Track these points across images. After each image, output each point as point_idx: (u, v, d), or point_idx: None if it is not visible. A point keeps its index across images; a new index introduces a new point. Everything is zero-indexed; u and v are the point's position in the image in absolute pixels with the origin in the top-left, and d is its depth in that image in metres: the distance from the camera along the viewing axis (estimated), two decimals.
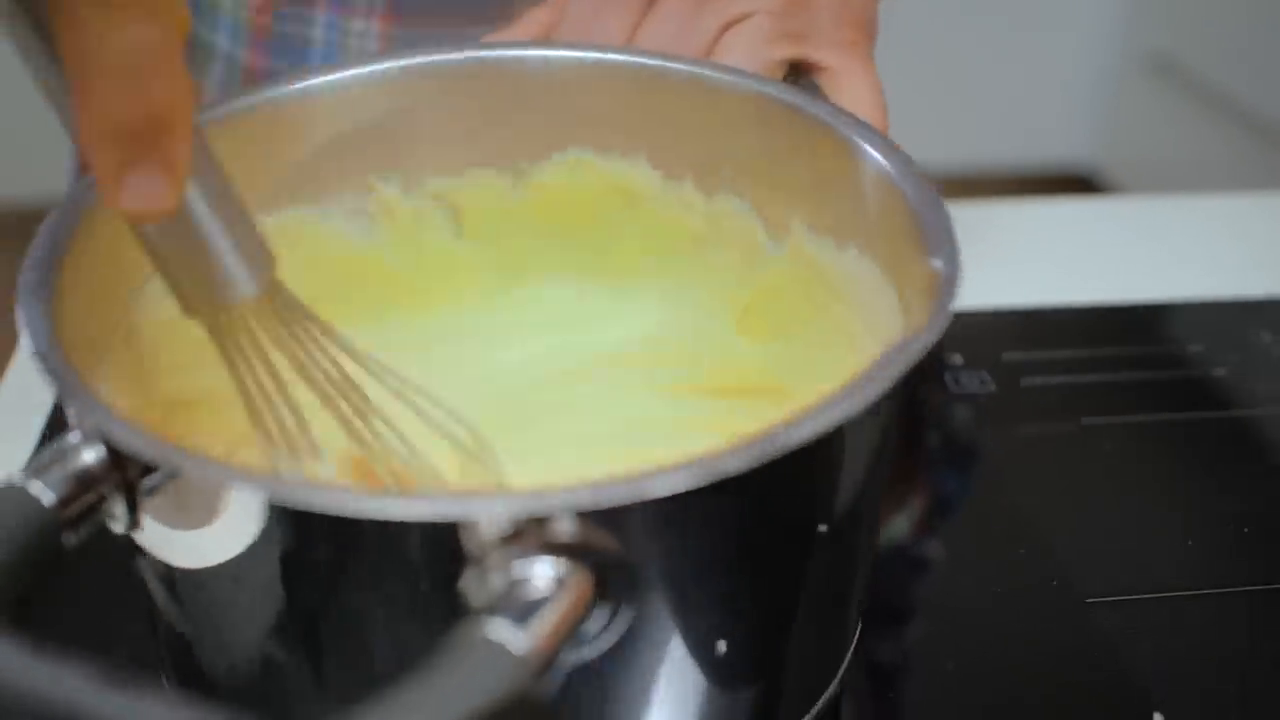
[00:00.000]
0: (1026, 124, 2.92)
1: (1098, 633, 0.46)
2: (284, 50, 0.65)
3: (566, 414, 0.48)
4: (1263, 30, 2.43)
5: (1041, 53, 2.87)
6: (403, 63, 0.47)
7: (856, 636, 0.42)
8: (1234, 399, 0.59)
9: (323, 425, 0.39)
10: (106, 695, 0.27)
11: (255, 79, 0.65)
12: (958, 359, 0.59)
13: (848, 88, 0.50)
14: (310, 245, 0.48)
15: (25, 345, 0.35)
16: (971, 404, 0.57)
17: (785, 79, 0.51)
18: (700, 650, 0.34)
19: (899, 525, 0.51)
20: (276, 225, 0.46)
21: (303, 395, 0.39)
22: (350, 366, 0.40)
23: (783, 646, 0.37)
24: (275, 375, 0.38)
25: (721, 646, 0.34)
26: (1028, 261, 0.68)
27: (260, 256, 0.37)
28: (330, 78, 0.46)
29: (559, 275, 0.50)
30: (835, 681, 0.41)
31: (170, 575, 0.35)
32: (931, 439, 0.56)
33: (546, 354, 0.50)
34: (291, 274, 0.47)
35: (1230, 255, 0.69)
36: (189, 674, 0.38)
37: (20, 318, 0.35)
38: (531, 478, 0.45)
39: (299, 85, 0.46)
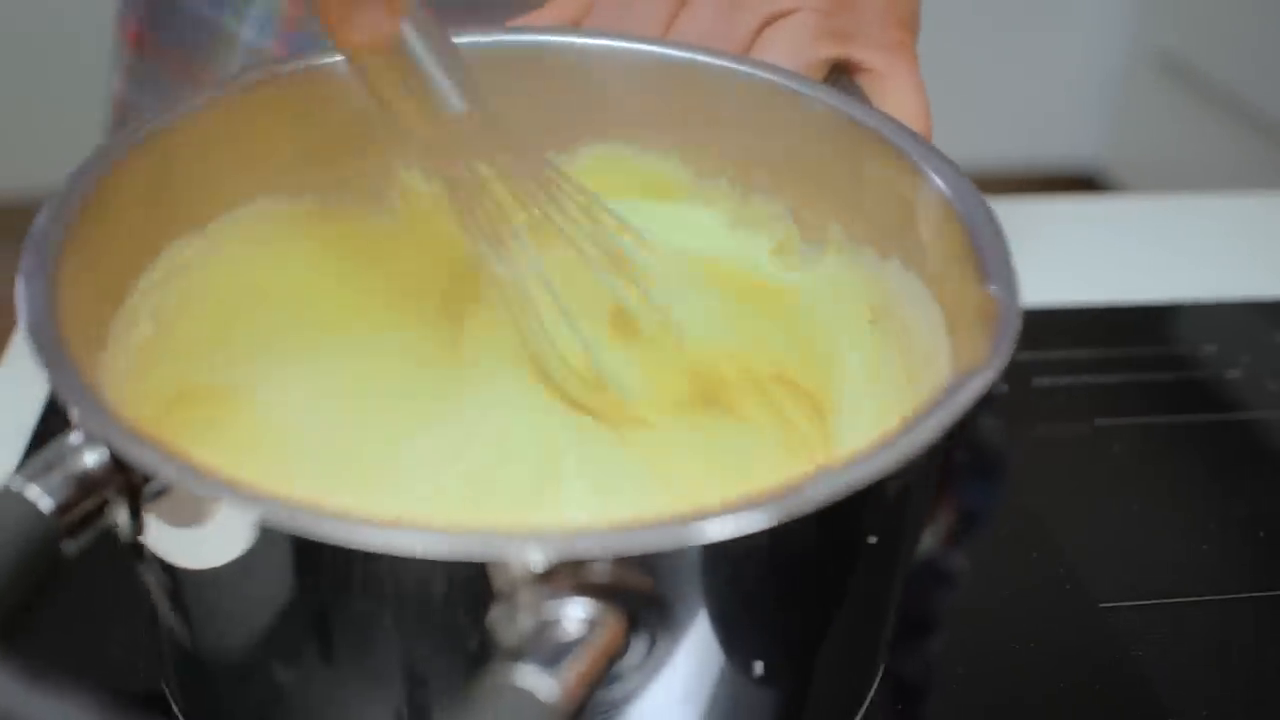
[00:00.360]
0: (1033, 122, 2.93)
1: (1110, 637, 0.45)
2: (310, 43, 0.63)
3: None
4: (1271, 30, 2.43)
5: (1048, 51, 2.88)
6: None
7: (883, 668, 0.41)
8: (1246, 401, 0.58)
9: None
10: None
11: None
12: None
13: (892, 91, 0.48)
14: (334, 226, 0.46)
15: (23, 336, 0.33)
16: (984, 406, 0.55)
17: (826, 78, 0.49)
18: (733, 686, 0.32)
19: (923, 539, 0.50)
20: (302, 204, 0.45)
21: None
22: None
23: (815, 681, 0.36)
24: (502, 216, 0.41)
25: (754, 681, 0.33)
26: (1039, 261, 0.65)
27: (471, 82, 0.40)
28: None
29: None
30: (864, 706, 0.39)
31: (175, 583, 0.33)
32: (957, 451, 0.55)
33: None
34: (311, 258, 0.46)
35: (1242, 255, 0.68)
36: (192, 684, 0.36)
37: (19, 308, 0.33)
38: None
39: (326, 60, 0.43)
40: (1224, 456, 0.55)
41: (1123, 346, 0.60)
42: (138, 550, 0.33)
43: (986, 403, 0.53)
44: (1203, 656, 0.45)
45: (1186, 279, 0.65)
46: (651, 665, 0.30)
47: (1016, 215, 0.69)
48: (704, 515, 0.27)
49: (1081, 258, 0.67)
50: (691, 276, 0.46)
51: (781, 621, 0.32)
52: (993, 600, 0.46)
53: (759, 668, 0.32)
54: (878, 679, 0.40)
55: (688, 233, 0.47)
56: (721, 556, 0.29)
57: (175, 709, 0.38)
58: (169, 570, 0.33)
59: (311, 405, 0.43)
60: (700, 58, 0.45)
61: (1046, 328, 0.61)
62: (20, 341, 0.54)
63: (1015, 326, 0.33)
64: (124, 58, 0.69)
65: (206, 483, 0.29)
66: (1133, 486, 0.52)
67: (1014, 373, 0.57)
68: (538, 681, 0.26)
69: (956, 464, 0.54)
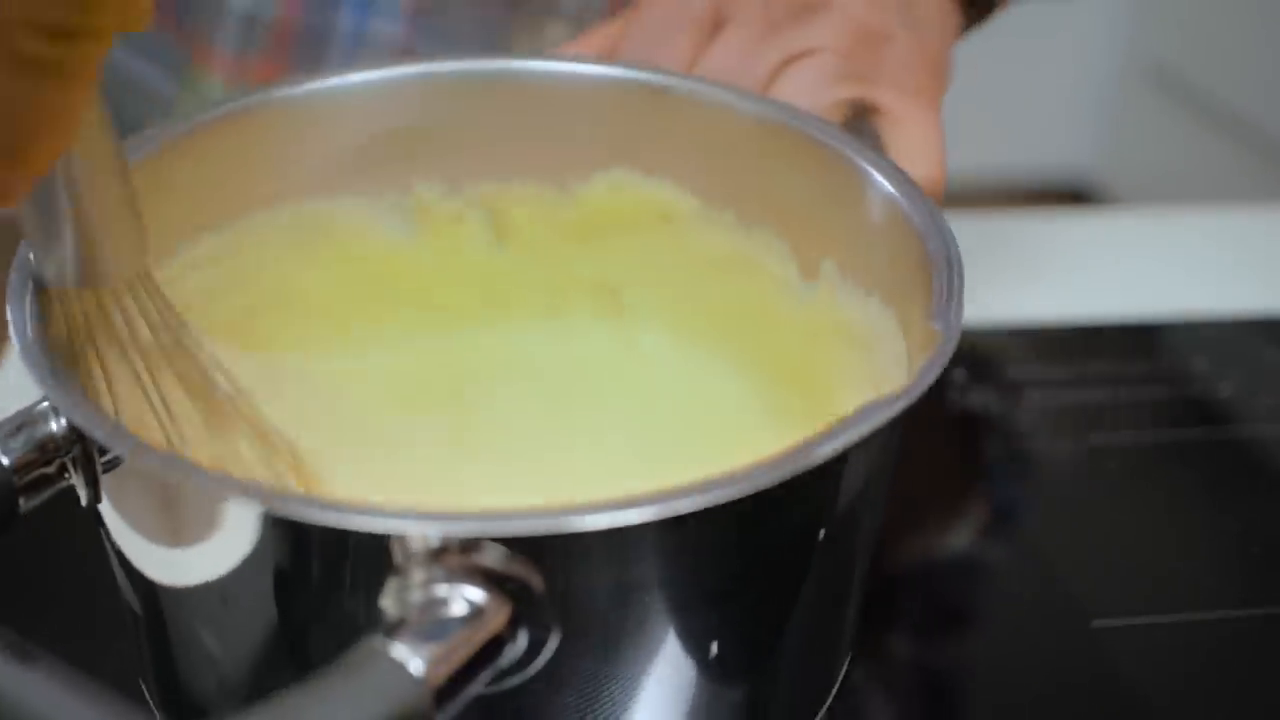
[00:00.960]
0: (1026, 134, 2.90)
1: (1104, 655, 0.45)
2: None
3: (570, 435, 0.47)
4: (1264, 43, 2.35)
5: (1042, 63, 2.85)
6: (450, 66, 0.47)
7: (838, 682, 0.41)
8: (1240, 416, 0.57)
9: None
10: (20, 681, 0.27)
11: (287, 30, 0.64)
12: (961, 375, 0.58)
13: (905, 136, 0.48)
14: (347, 240, 0.48)
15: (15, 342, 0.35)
16: (977, 423, 0.56)
17: (847, 119, 0.50)
18: (627, 689, 0.33)
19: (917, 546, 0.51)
20: (314, 215, 0.47)
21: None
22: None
23: (741, 690, 0.36)
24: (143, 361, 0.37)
25: (653, 684, 0.33)
26: (1032, 276, 0.66)
27: (133, 246, 0.36)
28: (374, 74, 0.46)
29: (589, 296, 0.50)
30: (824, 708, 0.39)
31: (126, 552, 0.35)
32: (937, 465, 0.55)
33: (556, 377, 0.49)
34: (326, 269, 0.48)
35: (1235, 270, 0.67)
36: (154, 657, 0.38)
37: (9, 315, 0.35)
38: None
39: (342, 80, 0.46)
40: (1217, 473, 0.54)
41: (1115, 363, 0.60)
42: (97, 516, 0.36)
43: (969, 420, 0.53)
44: (1197, 674, 0.45)
45: (1178, 294, 0.65)
46: (543, 662, 0.31)
47: (1011, 230, 0.69)
48: (585, 508, 0.28)
49: (1074, 273, 0.67)
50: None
51: (680, 624, 0.33)
52: (985, 617, 0.47)
53: (659, 671, 0.33)
54: (830, 695, 0.40)
55: (694, 258, 0.48)
56: (597, 552, 0.29)
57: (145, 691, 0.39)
58: (119, 538, 0.35)
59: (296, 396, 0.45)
60: (709, 90, 0.46)
61: (1039, 344, 0.61)
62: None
63: (941, 363, 0.33)
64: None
65: (149, 455, 0.31)
66: (1126, 503, 0.53)
67: (1007, 389, 0.57)
68: (409, 655, 0.27)
69: (988, 461, 0.55)
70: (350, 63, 0.48)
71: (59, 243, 0.34)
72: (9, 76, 0.29)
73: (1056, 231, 0.71)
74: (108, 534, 0.36)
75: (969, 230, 0.67)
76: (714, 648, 0.34)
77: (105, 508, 0.35)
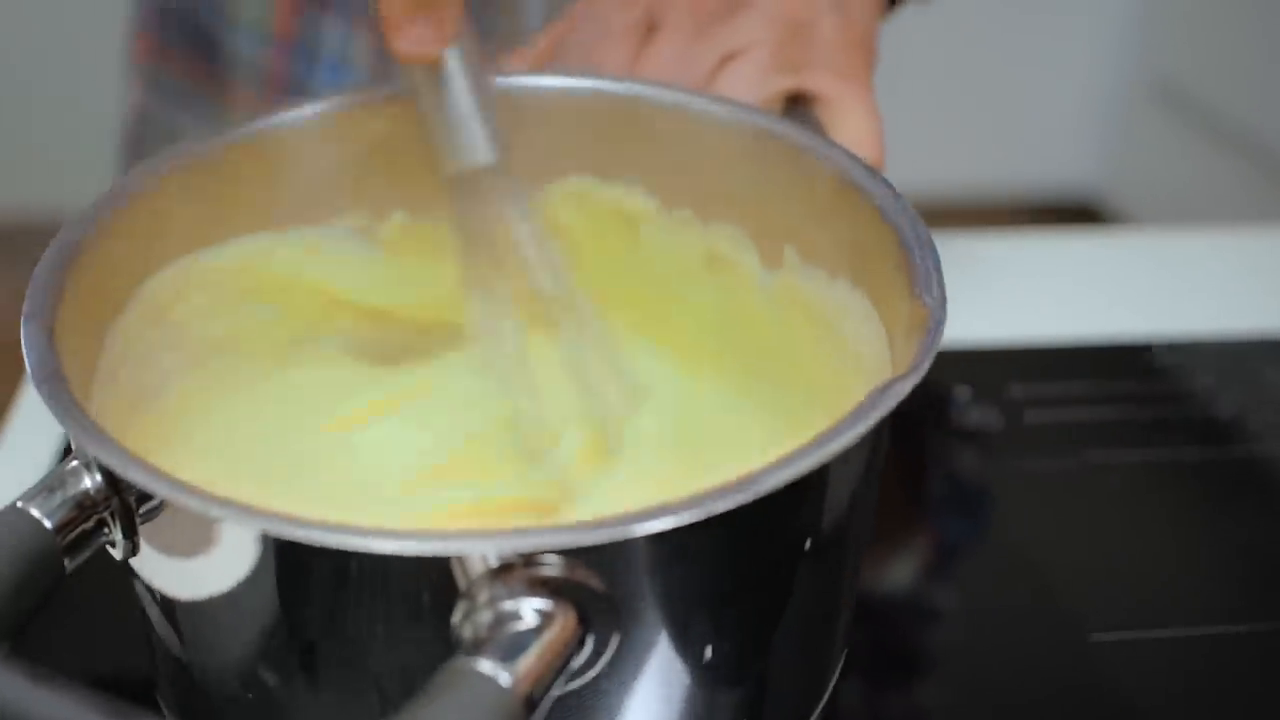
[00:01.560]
0: (1032, 150, 2.97)
1: (1102, 670, 0.46)
2: (305, 53, 0.69)
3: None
4: (1271, 60, 2.45)
5: (1048, 79, 2.93)
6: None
7: (842, 662, 0.43)
8: (1241, 435, 0.59)
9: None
10: None
11: (277, 81, 0.69)
12: (965, 393, 0.60)
13: (844, 119, 0.50)
14: (316, 267, 0.48)
15: (29, 374, 0.35)
16: (978, 440, 0.58)
17: (785, 108, 0.51)
18: (684, 680, 0.35)
19: (904, 567, 0.52)
20: (284, 245, 0.47)
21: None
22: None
23: (764, 675, 0.38)
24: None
25: (707, 675, 0.35)
26: (1033, 294, 0.68)
27: (497, 135, 0.44)
28: (330, 104, 0.47)
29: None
30: (819, 708, 0.41)
31: (167, 601, 0.36)
32: (939, 477, 0.57)
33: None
34: (296, 296, 0.48)
35: (1236, 290, 0.69)
36: (185, 697, 0.39)
37: (24, 347, 0.36)
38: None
39: (298, 113, 0.46)
40: (1218, 491, 0.56)
41: (1116, 381, 0.61)
42: (130, 568, 0.36)
43: (970, 437, 0.56)
44: (1195, 689, 0.46)
45: (1179, 313, 0.67)
46: (607, 661, 0.32)
47: (1013, 248, 0.72)
48: (634, 517, 0.30)
49: (1075, 291, 0.69)
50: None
51: (724, 616, 0.35)
52: (983, 632, 0.48)
53: (709, 660, 0.35)
54: (832, 683, 0.42)
55: (659, 259, 0.50)
56: (652, 554, 0.31)
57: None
58: (161, 584, 0.36)
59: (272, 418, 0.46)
60: (660, 94, 0.48)
61: (1040, 362, 0.62)
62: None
63: (938, 336, 0.35)
64: (138, 68, 0.74)
65: (198, 498, 0.31)
66: (1126, 521, 0.54)
67: (1008, 407, 0.59)
68: (497, 669, 0.29)
69: (935, 498, 0.56)
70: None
71: (464, 126, 0.44)
72: None
73: (1062, 250, 0.74)
74: (144, 584, 0.36)
75: (976, 249, 0.70)
76: (731, 639, 0.36)
77: (143, 557, 0.35)
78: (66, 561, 0.34)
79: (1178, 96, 2.70)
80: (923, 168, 3.27)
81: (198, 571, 0.34)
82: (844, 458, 0.32)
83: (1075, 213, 2.91)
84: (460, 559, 0.30)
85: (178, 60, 0.74)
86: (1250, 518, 0.54)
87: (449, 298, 0.49)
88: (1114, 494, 0.55)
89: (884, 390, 0.33)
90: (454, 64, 0.43)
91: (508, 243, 0.46)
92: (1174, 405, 0.60)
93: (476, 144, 0.44)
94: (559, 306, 0.47)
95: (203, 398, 0.44)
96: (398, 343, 0.49)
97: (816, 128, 0.50)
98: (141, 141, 0.77)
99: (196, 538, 0.33)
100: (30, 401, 0.58)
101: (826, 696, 0.42)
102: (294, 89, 0.71)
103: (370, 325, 0.49)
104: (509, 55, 0.54)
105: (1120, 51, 2.86)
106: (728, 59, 0.51)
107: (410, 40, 0.42)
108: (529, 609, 0.30)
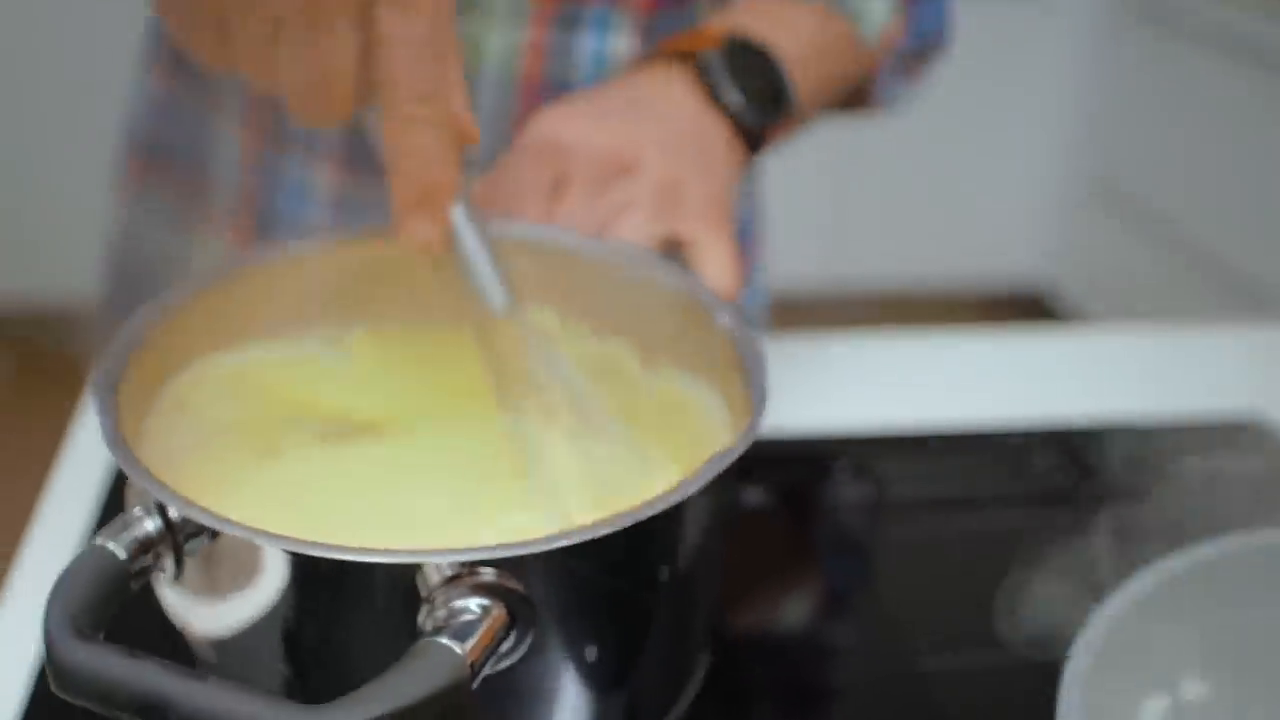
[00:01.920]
0: (988, 247, 3.31)
1: (930, 693, 0.60)
2: (274, 178, 0.83)
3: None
4: (1206, 164, 2.72)
5: (997, 179, 3.25)
6: (370, 237, 0.62)
7: (701, 675, 0.57)
8: (1069, 504, 0.73)
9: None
10: (189, 685, 0.41)
11: (250, 207, 0.83)
12: (847, 469, 0.75)
13: (706, 260, 0.65)
14: (295, 367, 0.62)
15: (90, 431, 0.48)
16: (855, 511, 0.73)
17: (663, 251, 0.66)
18: (579, 664, 0.48)
19: (792, 607, 0.67)
20: (271, 351, 0.61)
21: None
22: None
23: (632, 676, 0.52)
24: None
25: (592, 660, 0.49)
26: (914, 388, 0.84)
27: (506, 288, 0.56)
28: (302, 245, 0.61)
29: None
30: (685, 702, 0.55)
31: (203, 613, 0.49)
32: (823, 539, 0.72)
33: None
34: (280, 391, 0.62)
35: (1072, 385, 0.86)
36: None
37: (96, 416, 0.49)
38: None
39: (280, 250, 0.61)
40: (1069, 562, 0.67)
41: (970, 462, 0.77)
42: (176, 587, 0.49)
43: (856, 510, 0.71)
44: (1004, 708, 0.59)
45: (1043, 403, 0.82)
46: (526, 648, 0.46)
47: (877, 349, 0.88)
48: (537, 541, 0.44)
49: (939, 388, 0.85)
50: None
51: (601, 624, 0.49)
52: (830, 665, 0.62)
53: (594, 651, 0.48)
54: (695, 680, 0.56)
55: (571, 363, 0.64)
56: (552, 569, 0.45)
57: None
58: (199, 600, 0.49)
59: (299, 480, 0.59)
60: (565, 238, 0.63)
61: (907, 447, 0.78)
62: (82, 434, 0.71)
63: (758, 422, 0.50)
64: (126, 190, 0.89)
65: (242, 529, 0.45)
66: (967, 575, 0.67)
67: (878, 483, 0.74)
68: (452, 643, 0.42)
69: (821, 548, 0.71)
70: (291, 239, 0.63)
71: (482, 278, 0.56)
72: (409, 134, 0.51)
73: (937, 351, 0.90)
74: (186, 600, 0.49)
75: (838, 350, 0.87)
76: (606, 643, 0.49)
77: (186, 579, 0.48)
78: (132, 585, 0.47)
79: (1117, 196, 3.00)
80: (886, 264, 3.54)
81: (233, 586, 0.47)
82: (678, 511, 0.46)
83: (1028, 305, 3.22)
84: (422, 568, 0.44)
85: (162, 187, 0.88)
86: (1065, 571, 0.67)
87: (399, 391, 0.63)
88: (958, 553, 0.70)
89: (709, 462, 0.48)
90: (460, 224, 0.55)
91: (523, 364, 0.59)
92: (1011, 482, 0.75)
93: (492, 294, 0.57)
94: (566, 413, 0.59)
95: (214, 466, 0.57)
96: (361, 426, 0.63)
97: (685, 266, 0.65)
98: (126, 256, 0.91)
99: (233, 561, 0.46)
100: (76, 452, 0.71)
101: (687, 702, 0.55)
102: (262, 217, 0.85)
103: (338, 413, 0.63)
104: None
105: (1063, 151, 3.20)
106: (618, 211, 0.66)
107: (412, 232, 0.54)
108: (473, 604, 0.44)
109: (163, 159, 0.89)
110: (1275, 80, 2.48)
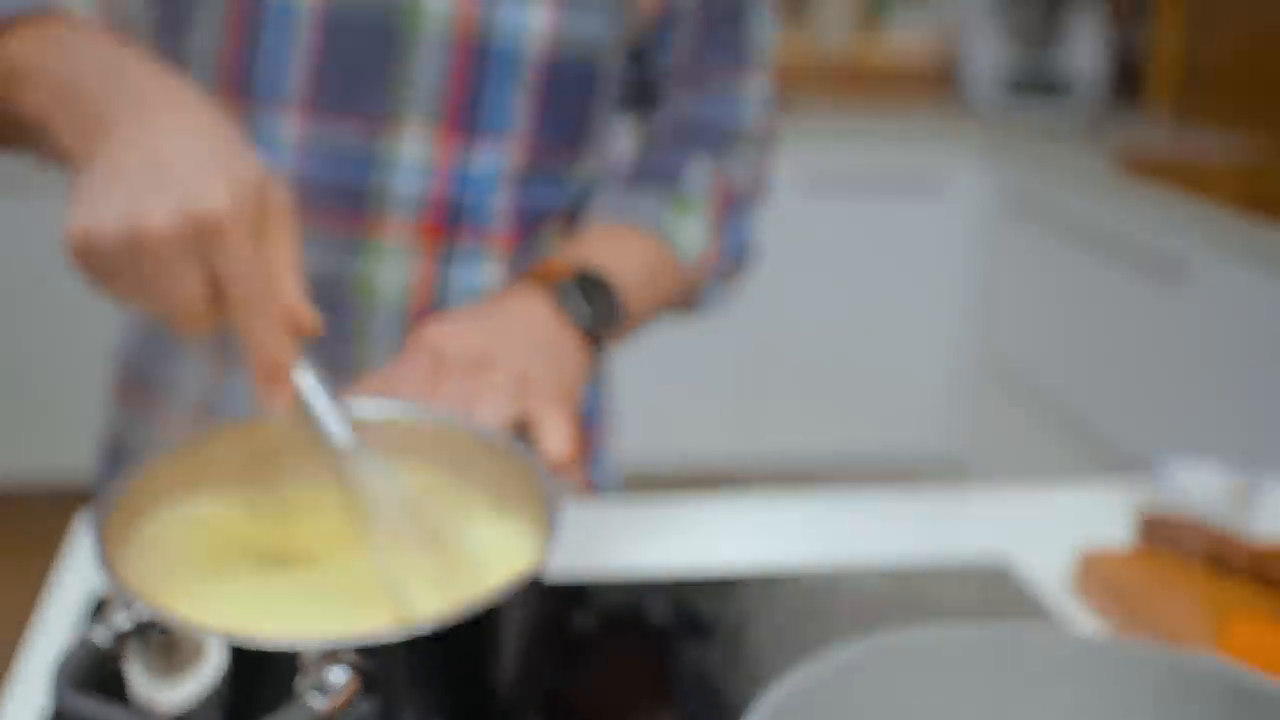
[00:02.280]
0: (900, 421, 3.80)
1: None
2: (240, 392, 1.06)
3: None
4: (1088, 348, 3.11)
5: (907, 362, 3.78)
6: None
7: None
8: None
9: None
10: None
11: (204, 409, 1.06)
12: (659, 603, 0.97)
13: (546, 436, 0.88)
14: (231, 516, 0.85)
15: (83, 559, 0.71)
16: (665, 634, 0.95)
17: (515, 428, 0.89)
18: None
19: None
20: (214, 505, 0.84)
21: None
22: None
23: None
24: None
25: None
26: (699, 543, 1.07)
27: (347, 429, 0.79)
28: (232, 428, 0.84)
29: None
30: None
31: (157, 685, 0.71)
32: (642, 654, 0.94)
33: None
34: (223, 533, 0.84)
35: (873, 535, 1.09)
36: None
37: (94, 552, 0.72)
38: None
39: (218, 433, 0.84)
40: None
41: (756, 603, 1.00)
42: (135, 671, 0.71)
43: (660, 632, 0.93)
44: None
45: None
46: (374, 707, 0.68)
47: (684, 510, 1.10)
48: (369, 635, 0.66)
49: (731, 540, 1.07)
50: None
51: (432, 694, 0.71)
52: None
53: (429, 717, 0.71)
54: None
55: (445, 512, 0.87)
56: (394, 654, 0.67)
57: None
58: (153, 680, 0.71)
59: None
60: (439, 414, 0.86)
61: (721, 589, 1.00)
62: (77, 560, 0.93)
63: (543, 563, 0.72)
64: (118, 400, 1.11)
65: (193, 626, 0.67)
66: None
67: (696, 621, 0.97)
68: (315, 700, 0.64)
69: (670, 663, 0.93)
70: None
71: (329, 425, 0.79)
72: (254, 331, 0.74)
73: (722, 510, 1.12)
74: (143, 680, 0.71)
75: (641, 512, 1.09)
76: (446, 708, 0.72)
77: (146, 665, 0.70)
78: (110, 666, 0.69)
79: (1011, 374, 3.43)
80: (796, 440, 3.93)
81: (186, 669, 0.70)
82: (473, 623, 0.69)
83: (941, 472, 3.69)
84: (302, 652, 0.66)
85: (149, 406, 1.11)
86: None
87: (308, 532, 0.86)
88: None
89: (509, 582, 0.71)
90: (308, 387, 0.77)
91: (373, 492, 0.80)
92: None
93: (338, 437, 0.79)
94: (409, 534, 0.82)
95: (177, 584, 0.79)
96: (280, 558, 0.85)
97: (529, 440, 0.88)
98: (117, 452, 1.13)
99: (184, 647, 0.69)
100: (71, 567, 0.93)
101: None
102: (215, 407, 1.08)
103: (264, 548, 0.85)
104: (354, 383, 0.92)
105: (965, 335, 3.71)
106: (481, 393, 0.89)
107: (269, 399, 0.76)
108: (337, 675, 0.66)
109: (152, 371, 1.11)
110: (1134, 272, 2.84)
